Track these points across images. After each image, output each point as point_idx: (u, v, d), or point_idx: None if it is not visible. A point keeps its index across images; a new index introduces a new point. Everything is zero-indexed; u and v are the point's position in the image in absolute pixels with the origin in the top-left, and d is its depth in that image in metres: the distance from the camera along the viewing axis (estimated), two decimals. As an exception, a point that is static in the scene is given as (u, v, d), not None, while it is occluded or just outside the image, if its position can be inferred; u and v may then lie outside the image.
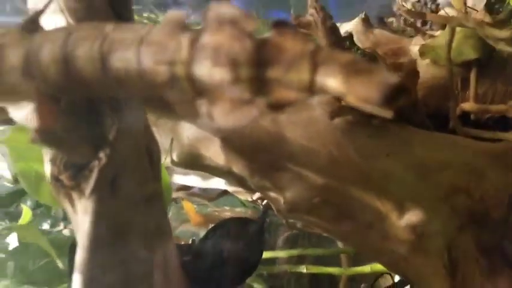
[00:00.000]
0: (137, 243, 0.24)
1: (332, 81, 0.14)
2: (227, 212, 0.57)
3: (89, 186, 0.23)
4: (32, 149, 0.31)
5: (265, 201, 0.50)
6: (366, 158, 0.27)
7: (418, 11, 0.61)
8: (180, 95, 0.18)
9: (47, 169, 0.25)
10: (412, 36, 0.48)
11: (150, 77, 0.17)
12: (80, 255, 0.23)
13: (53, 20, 0.24)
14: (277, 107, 0.16)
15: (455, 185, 0.28)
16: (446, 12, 0.48)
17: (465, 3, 0.46)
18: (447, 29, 0.34)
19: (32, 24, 0.21)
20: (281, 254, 0.53)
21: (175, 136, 0.33)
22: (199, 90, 0.17)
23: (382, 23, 0.80)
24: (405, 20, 0.45)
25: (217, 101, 0.17)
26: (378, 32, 0.42)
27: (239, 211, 0.57)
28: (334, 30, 0.29)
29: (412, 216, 0.26)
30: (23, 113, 0.24)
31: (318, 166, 0.28)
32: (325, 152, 0.28)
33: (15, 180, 0.45)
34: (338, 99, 0.29)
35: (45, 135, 0.19)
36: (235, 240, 0.35)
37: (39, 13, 0.21)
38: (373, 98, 0.13)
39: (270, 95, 0.16)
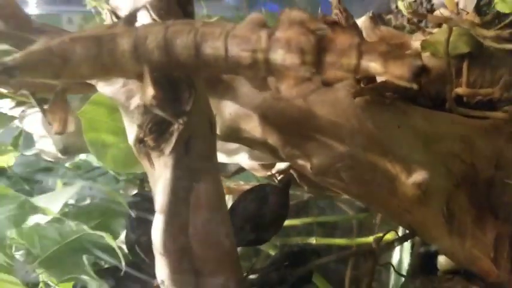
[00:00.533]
0: (203, 190, 0.30)
1: (374, 65, 0.21)
2: (245, 186, 0.63)
3: (169, 146, 0.29)
4: (103, 122, 0.37)
5: (280, 176, 0.56)
6: (381, 129, 0.34)
7: (418, 11, 0.68)
8: (257, 74, 0.24)
9: (131, 134, 0.31)
10: (411, 32, 0.55)
11: (236, 61, 0.24)
12: (161, 199, 0.29)
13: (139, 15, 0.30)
14: (329, 83, 0.23)
15: (452, 152, 0.35)
16: (441, 13, 0.55)
17: (457, 5, 0.52)
18: (444, 27, 0.41)
19: (132, 18, 0.27)
20: (295, 221, 0.60)
21: (218, 113, 0.39)
22: (272, 71, 0.24)
23: (381, 20, 0.86)
24: (408, 19, 0.51)
25: (284, 78, 0.23)
26: (384, 28, 0.49)
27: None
28: (356, 28, 0.35)
29: (418, 176, 0.33)
30: (113, 88, 0.30)
31: (341, 136, 0.35)
32: (348, 124, 0.34)
33: (65, 152, 0.51)
34: (359, 82, 0.35)
35: (155, 102, 0.25)
36: (264, 202, 0.41)
37: (136, 10, 0.28)
38: (404, 76, 0.19)
39: (325, 74, 0.23)
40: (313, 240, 0.62)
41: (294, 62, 0.22)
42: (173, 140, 0.29)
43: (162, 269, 0.30)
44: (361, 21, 0.53)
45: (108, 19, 0.32)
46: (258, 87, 0.24)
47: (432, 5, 0.66)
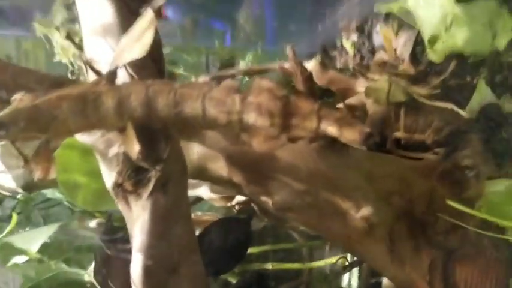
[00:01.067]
0: (179, 227, 0.33)
1: (331, 129, 0.25)
2: (204, 216, 0.66)
3: (146, 190, 0.32)
4: (75, 164, 0.39)
5: (239, 207, 0.60)
6: (333, 170, 0.39)
7: (360, 51, 0.74)
8: (231, 131, 0.28)
9: (108, 179, 0.34)
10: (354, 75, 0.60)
11: (213, 120, 0.27)
12: (139, 239, 0.32)
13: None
14: (294, 140, 0.27)
15: (392, 190, 0.40)
16: (381, 57, 0.61)
17: (395, 50, 0.59)
18: (384, 77, 0.47)
19: (113, 76, 0.30)
20: (254, 250, 0.63)
21: (186, 154, 0.42)
22: (244, 129, 0.27)
23: (327, 56, 0.94)
24: (353, 68, 0.56)
25: (255, 135, 0.27)
26: (331, 72, 0.54)
27: (215, 215, 0.66)
28: (308, 79, 0.40)
29: (365, 211, 0.38)
30: (92, 137, 0.33)
31: (299, 176, 0.39)
32: (305, 166, 0.39)
33: (27, 189, 0.51)
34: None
35: (140, 156, 0.28)
36: (229, 234, 0.45)
37: (116, 68, 0.30)
38: (356, 141, 0.24)
39: (291, 133, 0.27)
40: (269, 266, 0.66)
41: (264, 123, 0.26)
42: (151, 185, 0.32)
43: (139, 305, 0.32)
44: (311, 65, 0.58)
45: (84, 71, 0.34)
46: (231, 141, 0.28)
47: (373, 46, 0.73)
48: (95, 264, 0.43)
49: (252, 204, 0.52)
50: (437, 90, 0.41)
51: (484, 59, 0.46)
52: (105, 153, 0.33)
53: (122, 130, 0.30)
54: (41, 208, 0.79)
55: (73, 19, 0.87)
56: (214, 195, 0.58)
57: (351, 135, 0.24)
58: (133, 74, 0.32)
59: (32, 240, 0.36)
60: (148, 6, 0.30)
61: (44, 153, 0.29)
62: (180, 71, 0.93)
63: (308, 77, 0.41)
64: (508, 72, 0.44)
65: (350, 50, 0.79)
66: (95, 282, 0.39)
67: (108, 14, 0.31)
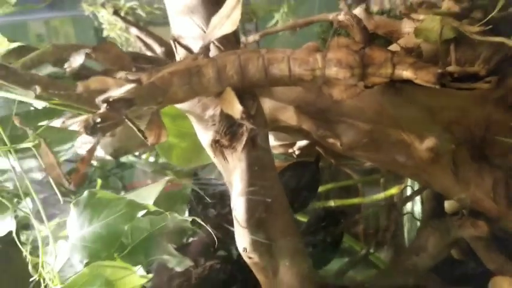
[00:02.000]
0: (267, 172, 0.39)
1: (407, 73, 0.29)
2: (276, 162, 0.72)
3: (240, 144, 0.37)
4: (168, 128, 0.44)
5: (298, 152, 0.65)
6: (396, 108, 0.43)
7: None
8: (314, 85, 0.32)
9: (204, 138, 0.39)
10: (399, 18, 0.62)
11: (298, 77, 0.32)
12: (239, 185, 0.38)
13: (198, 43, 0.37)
14: (370, 87, 0.31)
15: (451, 119, 0.44)
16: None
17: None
18: (430, 16, 0.49)
19: (207, 50, 0.35)
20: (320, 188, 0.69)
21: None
22: (326, 82, 0.32)
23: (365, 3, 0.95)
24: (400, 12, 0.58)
25: (336, 86, 0.32)
26: (377, 17, 0.57)
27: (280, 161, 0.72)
28: (364, 29, 0.43)
29: (429, 142, 0.42)
30: (190, 103, 0.38)
31: (364, 117, 0.43)
32: (369, 107, 0.43)
33: (115, 155, 0.58)
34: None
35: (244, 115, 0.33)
36: (302, 176, 0.50)
37: (209, 43, 0.35)
38: (431, 81, 0.28)
39: (367, 81, 0.31)
40: (331, 203, 0.72)
41: (345, 75, 0.30)
42: (244, 139, 0.37)
43: (243, 239, 0.39)
44: (357, 12, 0.61)
45: (173, 48, 0.39)
46: (313, 94, 0.33)
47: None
48: (189, 213, 0.50)
49: (318, 148, 0.57)
50: (487, 27, 0.43)
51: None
52: (201, 116, 0.38)
53: (217, 95, 0.35)
54: (115, 172, 0.88)
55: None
56: (276, 143, 0.63)
57: (425, 77, 0.28)
58: (220, 46, 0.37)
59: (147, 196, 0.42)
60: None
61: (156, 120, 0.34)
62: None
63: (364, 27, 0.44)
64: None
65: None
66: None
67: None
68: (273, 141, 0.62)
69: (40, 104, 0.37)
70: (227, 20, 0.32)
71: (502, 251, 0.47)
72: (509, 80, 0.48)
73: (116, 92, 0.28)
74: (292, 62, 0.32)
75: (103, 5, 0.91)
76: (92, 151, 0.29)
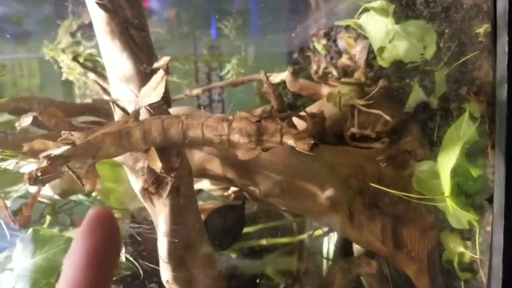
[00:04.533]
0: (191, 216, 0.46)
1: (289, 142, 0.37)
2: (208, 205, 0.79)
3: (165, 191, 0.44)
4: (106, 175, 0.51)
5: (233, 195, 0.73)
6: (301, 162, 0.51)
7: (330, 52, 0.86)
8: (222, 147, 0.40)
9: (136, 186, 0.46)
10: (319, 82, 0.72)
11: (209, 140, 0.40)
12: (163, 227, 0.44)
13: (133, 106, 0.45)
14: (266, 149, 0.39)
15: (349, 174, 0.53)
16: (343, 62, 0.73)
17: (354, 55, 0.71)
18: (340, 85, 0.59)
19: (137, 114, 0.42)
20: (250, 229, 0.76)
21: (190, 158, 0.54)
22: (231, 145, 0.40)
23: (303, 54, 1.06)
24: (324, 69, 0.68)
25: (239, 149, 0.40)
26: (302, 81, 0.67)
27: (216, 202, 0.79)
28: (279, 97, 0.52)
29: (328, 192, 0.51)
30: (123, 156, 0.45)
31: (276, 170, 0.52)
32: (280, 161, 0.51)
33: (63, 196, 0.64)
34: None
35: (161, 170, 0.40)
36: (228, 218, 0.57)
37: (139, 109, 0.42)
38: (305, 149, 0.36)
39: (263, 146, 0.39)
40: (263, 242, 0.79)
41: (245, 141, 0.39)
42: (168, 187, 0.44)
43: (166, 273, 0.45)
44: (285, 75, 0.70)
45: (112, 109, 0.46)
46: (223, 153, 0.40)
47: (339, 49, 0.85)
48: (125, 248, 0.56)
49: (244, 193, 0.65)
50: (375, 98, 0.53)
51: (418, 65, 0.58)
52: (133, 167, 0.45)
53: (145, 151, 0.42)
54: (65, 209, 0.93)
55: (77, 42, 0.98)
56: (213, 187, 0.71)
57: (302, 146, 0.36)
58: (150, 110, 0.44)
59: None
60: (156, 62, 0.42)
61: (92, 171, 0.41)
62: (174, 79, 1.04)
63: (279, 94, 0.53)
64: (432, 76, 0.56)
65: (322, 51, 0.92)
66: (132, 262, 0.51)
67: (128, 67, 0.43)
68: (209, 185, 0.69)
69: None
70: (154, 92, 0.40)
71: (393, 286, 0.55)
72: (400, 142, 0.58)
73: (55, 151, 0.35)
74: (205, 128, 0.39)
75: (63, 51, 0.98)
76: (34, 198, 0.35)
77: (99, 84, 0.95)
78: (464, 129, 0.42)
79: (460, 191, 0.43)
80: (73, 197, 0.86)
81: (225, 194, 0.74)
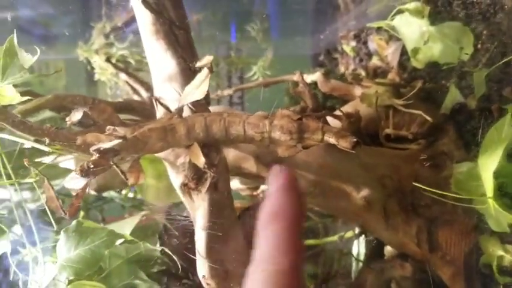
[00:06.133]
0: (226, 211, 0.46)
1: (331, 140, 0.38)
2: (238, 204, 0.80)
3: (204, 187, 0.45)
4: (146, 170, 0.52)
5: (261, 196, 0.73)
6: (338, 163, 0.52)
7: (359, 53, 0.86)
8: (263, 144, 0.41)
9: (176, 181, 0.47)
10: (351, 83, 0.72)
11: (251, 138, 0.40)
12: (201, 221, 0.45)
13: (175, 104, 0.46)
14: (306, 147, 0.40)
15: (384, 174, 0.53)
16: (374, 63, 0.73)
17: (386, 57, 0.71)
18: (375, 85, 0.59)
19: (180, 111, 0.43)
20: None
21: (225, 156, 0.55)
22: (272, 142, 0.40)
23: (330, 58, 1.07)
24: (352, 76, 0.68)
25: (280, 146, 0.40)
26: (333, 82, 0.67)
27: (243, 202, 0.80)
28: (314, 96, 0.52)
29: (364, 192, 0.51)
30: (165, 152, 0.46)
31: (311, 170, 0.52)
32: (315, 161, 0.52)
33: (98, 191, 0.66)
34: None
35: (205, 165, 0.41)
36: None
37: (182, 106, 0.43)
38: (348, 147, 0.36)
39: (304, 143, 0.40)
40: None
41: (286, 138, 0.39)
42: (207, 183, 0.45)
43: (203, 267, 0.46)
44: (316, 76, 0.71)
45: (155, 106, 0.47)
46: (263, 150, 0.41)
47: (369, 50, 0.85)
48: (159, 244, 0.57)
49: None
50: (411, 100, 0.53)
51: (454, 67, 0.58)
52: (174, 163, 0.46)
53: (188, 147, 0.43)
54: (96, 206, 0.95)
55: (110, 44, 1.00)
56: (242, 186, 0.72)
57: (344, 143, 0.36)
58: (192, 108, 0.45)
59: (125, 227, 0.49)
60: (198, 61, 0.43)
61: (136, 166, 0.42)
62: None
63: (314, 94, 0.54)
64: (469, 78, 0.56)
65: (350, 53, 0.92)
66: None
67: (171, 66, 0.44)
68: (239, 184, 0.70)
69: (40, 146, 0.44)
70: (197, 90, 0.41)
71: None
72: (437, 143, 0.58)
73: (106, 145, 0.36)
74: (246, 125, 0.40)
75: (97, 52, 1.00)
76: (84, 189, 0.37)
77: (129, 84, 0.97)
78: (506, 131, 0.41)
79: (502, 192, 0.43)
80: (105, 194, 0.88)
81: (254, 193, 0.75)
